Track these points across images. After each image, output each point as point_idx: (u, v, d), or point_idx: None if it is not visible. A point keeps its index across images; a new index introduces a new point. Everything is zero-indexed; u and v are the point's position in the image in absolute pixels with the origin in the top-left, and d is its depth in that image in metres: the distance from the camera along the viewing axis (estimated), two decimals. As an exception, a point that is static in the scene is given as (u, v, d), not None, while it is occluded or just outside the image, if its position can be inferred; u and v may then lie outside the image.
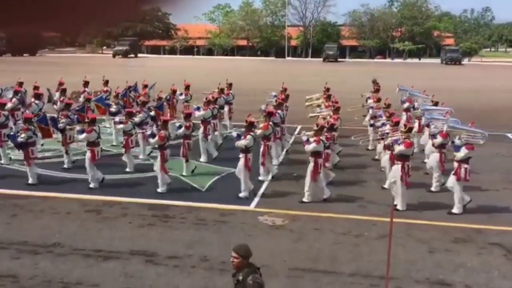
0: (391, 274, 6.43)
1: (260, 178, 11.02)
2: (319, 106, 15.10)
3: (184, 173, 11.46)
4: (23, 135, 10.44)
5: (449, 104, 14.06)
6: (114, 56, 58.30)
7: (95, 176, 10.55)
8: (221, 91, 15.42)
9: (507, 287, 6.74)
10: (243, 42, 73.94)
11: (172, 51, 74.22)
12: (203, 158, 12.64)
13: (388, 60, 67.10)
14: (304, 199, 9.82)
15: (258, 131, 10.77)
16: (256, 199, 10.03)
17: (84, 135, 10.66)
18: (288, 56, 69.39)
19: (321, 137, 9.77)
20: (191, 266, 7.12)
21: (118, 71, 18.84)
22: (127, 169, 11.77)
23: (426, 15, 71.30)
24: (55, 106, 14.46)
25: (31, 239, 7.95)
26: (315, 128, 10.01)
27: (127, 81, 16.43)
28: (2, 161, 12.23)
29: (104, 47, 73.81)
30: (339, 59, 59.61)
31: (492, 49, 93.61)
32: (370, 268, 7.14)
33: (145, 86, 16.09)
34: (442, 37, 73.03)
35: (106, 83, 16.78)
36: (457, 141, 9.45)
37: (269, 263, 7.23)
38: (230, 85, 16.40)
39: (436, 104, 13.62)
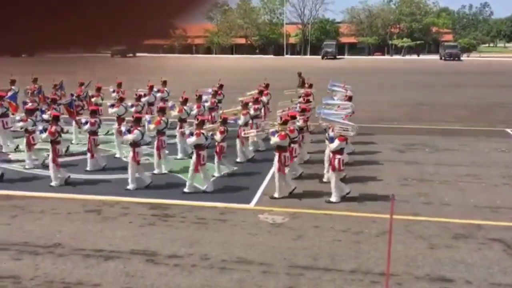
0: (392, 270, 6.45)
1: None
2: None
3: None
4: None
5: (449, 100, 14.08)
6: (112, 55, 58.24)
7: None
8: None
9: (507, 282, 6.76)
10: (242, 41, 73.88)
11: (171, 50, 74.12)
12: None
13: (387, 56, 67.08)
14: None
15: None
16: (256, 197, 10.04)
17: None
18: (286, 54, 69.37)
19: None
20: (191, 265, 7.13)
21: (114, 71, 18.84)
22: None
23: (424, 11, 71.31)
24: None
25: (31, 239, 7.96)
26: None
27: (53, 79, 16.54)
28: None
29: (105, 47, 73.37)
30: (338, 56, 59.60)
31: (491, 45, 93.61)
32: (370, 265, 7.16)
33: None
34: (440, 33, 73.02)
35: (35, 80, 16.95)
36: (331, 133, 9.92)
37: (269, 261, 7.26)
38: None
39: (350, 99, 13.64)
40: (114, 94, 15.91)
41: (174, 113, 13.29)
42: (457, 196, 10.20)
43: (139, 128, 10.72)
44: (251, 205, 9.69)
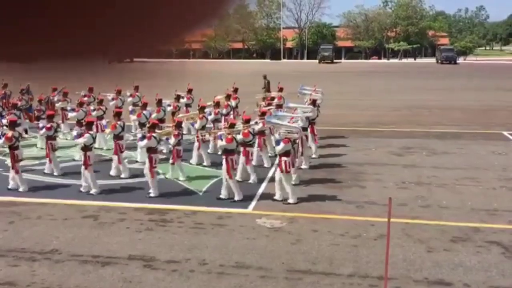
0: (390, 274, 6.43)
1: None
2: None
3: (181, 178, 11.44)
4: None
5: (446, 103, 14.11)
6: (109, 62, 58.30)
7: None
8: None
9: (506, 285, 6.75)
10: (239, 45, 74.04)
11: (168, 54, 73.96)
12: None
13: (384, 60, 67.28)
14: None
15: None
16: (254, 202, 10.02)
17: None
18: (283, 58, 69.51)
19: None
20: (189, 270, 7.10)
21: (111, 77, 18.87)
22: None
23: (420, 15, 71.67)
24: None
25: (28, 245, 7.92)
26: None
27: (20, 84, 16.68)
28: None
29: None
30: (335, 60, 59.74)
31: (487, 48, 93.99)
32: (368, 268, 7.14)
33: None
34: (437, 37, 73.37)
35: (4, 86, 17.26)
36: (277, 136, 10.17)
37: (268, 266, 7.23)
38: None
39: (313, 103, 13.56)
40: (130, 99, 15.86)
41: (133, 117, 13.66)
42: (455, 199, 10.20)
43: (91, 132, 10.71)
44: (249, 209, 9.66)
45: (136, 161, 12.71)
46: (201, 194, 10.58)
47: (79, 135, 10.62)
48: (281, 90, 16.42)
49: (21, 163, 11.02)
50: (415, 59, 67.47)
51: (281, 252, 7.72)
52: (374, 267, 7.13)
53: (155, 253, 7.63)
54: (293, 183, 10.45)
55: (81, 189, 10.53)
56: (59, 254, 7.61)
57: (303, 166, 12.13)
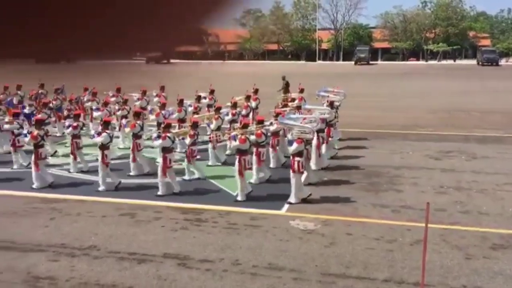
0: (426, 280, 6.29)
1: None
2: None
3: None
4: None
5: (486, 106, 13.68)
6: (147, 62, 59.40)
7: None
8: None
9: (549, 296, 6.48)
10: (274, 46, 74.07)
11: (204, 56, 74.91)
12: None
13: (422, 62, 65.82)
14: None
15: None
16: (287, 204, 10.00)
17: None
18: (319, 59, 69.07)
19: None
20: (223, 270, 7.16)
21: (147, 78, 19.37)
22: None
23: (461, 16, 69.70)
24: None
25: (68, 241, 8.17)
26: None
27: (53, 84, 17.08)
28: (14, 166, 12.62)
29: (138, 53, 75.02)
30: (371, 62, 58.93)
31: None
32: (404, 274, 7.00)
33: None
34: (478, 38, 71.15)
35: (41, 86, 17.75)
36: (289, 137, 10.21)
37: (301, 268, 7.21)
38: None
39: (331, 105, 13.65)
40: (156, 99, 16.23)
41: (152, 116, 13.99)
42: (495, 205, 9.87)
43: (108, 131, 10.91)
44: (282, 211, 9.65)
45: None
46: (234, 194, 10.63)
47: (98, 134, 10.90)
48: (302, 91, 16.37)
49: (60, 161, 11.38)
50: (454, 61, 65.71)
51: (314, 254, 7.68)
52: (410, 273, 6.99)
53: (190, 252, 7.73)
54: (305, 183, 10.62)
55: (99, 189, 10.80)
56: (97, 251, 7.82)
57: (313, 167, 12.13)
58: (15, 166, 12.52)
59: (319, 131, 11.93)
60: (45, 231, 8.67)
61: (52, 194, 10.67)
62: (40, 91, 17.73)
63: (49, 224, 9.03)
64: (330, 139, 13.29)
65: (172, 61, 63.59)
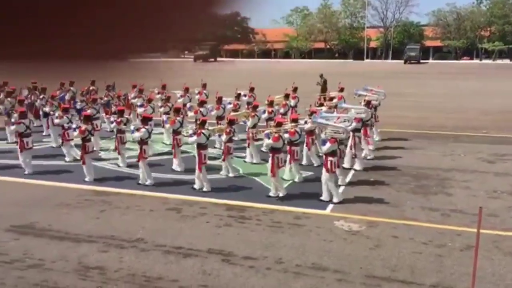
0: (477, 288, 6.05)
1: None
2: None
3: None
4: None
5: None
6: (195, 60, 60.42)
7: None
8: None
9: None
10: (321, 45, 73.42)
11: (250, 54, 75.39)
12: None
13: (476, 61, 63.31)
14: (270, 194, 10.25)
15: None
16: (332, 203, 9.90)
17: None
18: (367, 58, 67.87)
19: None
20: (266, 268, 7.18)
21: (195, 75, 19.71)
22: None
23: (519, 13, 66.43)
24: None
25: (117, 233, 8.44)
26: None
27: (104, 81, 17.46)
28: (67, 159, 13.12)
29: (186, 52, 76.57)
30: (421, 61, 57.30)
31: None
32: (453, 280, 6.77)
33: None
34: (537, 36, 67.56)
35: (92, 82, 18.36)
36: (323, 136, 10.12)
37: (345, 269, 7.11)
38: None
39: (368, 104, 13.43)
40: (197, 96, 16.53)
41: (191, 113, 14.27)
42: (554, 212, 9.36)
43: (147, 127, 11.09)
44: (327, 211, 9.56)
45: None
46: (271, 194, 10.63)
47: (137, 129, 11.17)
48: (341, 90, 16.14)
49: (113, 155, 11.72)
50: (511, 60, 62.76)
51: (359, 256, 7.56)
52: (459, 279, 6.75)
53: (233, 249, 7.80)
54: (340, 183, 10.65)
55: (139, 181, 11.13)
56: (144, 243, 8.04)
57: (357, 168, 12.10)
58: (67, 159, 13.07)
59: (355, 130, 11.91)
60: (96, 223, 8.99)
61: (103, 187, 11.06)
62: (91, 88, 18.40)
63: (100, 216, 9.36)
64: (368, 138, 13.15)
65: (219, 59, 64.31)
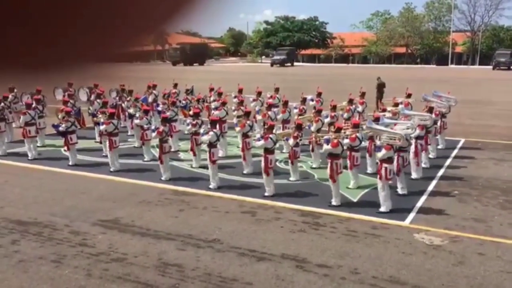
0: None
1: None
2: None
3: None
4: (63, 125, 12.86)
5: None
6: (272, 65, 60.96)
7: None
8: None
9: None
10: (401, 50, 71.09)
11: (327, 59, 74.71)
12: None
13: None
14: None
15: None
16: (412, 215, 9.51)
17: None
18: (451, 63, 64.68)
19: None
20: (340, 277, 7.04)
21: (272, 79, 19.85)
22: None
23: None
24: (90, 107, 16.92)
25: (195, 233, 8.69)
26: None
27: (186, 84, 17.97)
28: (146, 158, 13.67)
29: (263, 57, 77.56)
30: (512, 67, 53.57)
31: None
32: (547, 306, 6.23)
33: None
34: None
35: (175, 86, 18.93)
36: (377, 142, 9.86)
37: (424, 285, 6.80)
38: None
39: (430, 110, 12.77)
40: (235, 100, 16.55)
41: (259, 117, 14.33)
42: None
43: (215, 130, 11.20)
44: (406, 222, 9.20)
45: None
46: (355, 201, 10.41)
47: (206, 133, 11.36)
48: (409, 96, 15.47)
49: (189, 156, 12.06)
50: None
51: (440, 272, 7.18)
52: (554, 305, 6.20)
53: (307, 255, 7.74)
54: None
55: (210, 186, 11.25)
56: (220, 244, 8.20)
57: (413, 176, 11.68)
58: (146, 158, 13.69)
59: (418, 138, 11.53)
60: (175, 221, 9.33)
61: (182, 187, 11.45)
62: (173, 91, 19.13)
63: (178, 215, 9.70)
64: (428, 146, 12.74)
65: (296, 64, 64.36)
